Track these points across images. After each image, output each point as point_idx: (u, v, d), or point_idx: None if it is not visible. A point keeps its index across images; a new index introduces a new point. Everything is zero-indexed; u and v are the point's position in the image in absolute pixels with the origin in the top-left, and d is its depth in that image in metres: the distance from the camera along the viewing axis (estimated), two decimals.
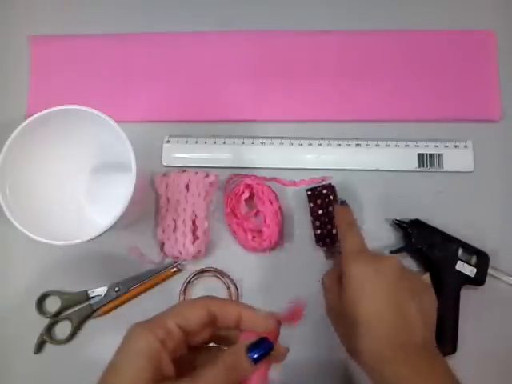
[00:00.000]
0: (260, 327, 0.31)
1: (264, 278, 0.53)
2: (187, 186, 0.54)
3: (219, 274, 0.53)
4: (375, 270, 0.40)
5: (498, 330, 0.51)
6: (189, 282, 0.53)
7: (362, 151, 0.55)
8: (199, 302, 0.31)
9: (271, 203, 0.53)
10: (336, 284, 0.44)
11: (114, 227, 0.43)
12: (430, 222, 0.51)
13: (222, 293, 0.53)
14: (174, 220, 0.53)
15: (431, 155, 0.54)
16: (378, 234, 0.53)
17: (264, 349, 0.30)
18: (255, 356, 0.29)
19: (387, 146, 0.55)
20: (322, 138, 0.55)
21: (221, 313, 0.31)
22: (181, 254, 0.52)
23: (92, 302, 0.53)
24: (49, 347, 0.53)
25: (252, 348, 0.29)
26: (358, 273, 0.40)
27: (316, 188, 0.52)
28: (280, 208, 0.54)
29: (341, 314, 0.42)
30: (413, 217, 0.52)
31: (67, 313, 0.53)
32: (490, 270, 0.50)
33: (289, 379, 0.50)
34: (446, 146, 0.54)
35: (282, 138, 0.55)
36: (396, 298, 0.40)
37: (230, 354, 0.30)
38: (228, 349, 0.31)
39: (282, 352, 0.32)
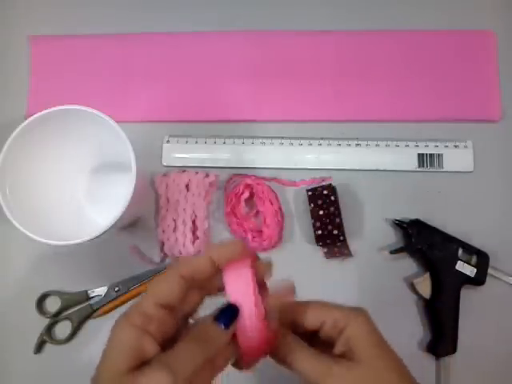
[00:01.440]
0: (231, 253, 0.31)
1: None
2: (187, 186, 0.54)
3: None
4: None
5: (497, 329, 0.51)
6: None
7: (362, 151, 0.55)
8: (172, 273, 0.31)
9: (271, 203, 0.53)
10: None
11: (113, 227, 0.43)
12: (430, 222, 0.51)
13: (221, 293, 0.52)
14: (174, 220, 0.53)
15: (431, 155, 0.54)
16: (378, 233, 0.53)
17: (230, 313, 0.30)
18: (224, 323, 0.30)
19: (387, 146, 0.55)
20: (322, 138, 0.55)
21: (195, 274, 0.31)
22: (181, 254, 0.52)
23: (92, 301, 0.53)
24: (49, 347, 0.53)
25: (219, 316, 0.30)
26: None
27: (316, 188, 0.52)
28: (280, 208, 0.54)
29: None
30: (413, 217, 0.52)
31: (67, 313, 0.53)
32: (490, 270, 0.50)
33: None
34: (446, 146, 0.54)
35: (282, 138, 0.55)
36: None
37: (198, 325, 0.30)
38: (195, 322, 0.31)
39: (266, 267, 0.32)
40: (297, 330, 0.34)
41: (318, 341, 0.34)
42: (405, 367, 0.32)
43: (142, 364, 0.28)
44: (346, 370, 0.32)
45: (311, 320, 0.34)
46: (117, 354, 0.28)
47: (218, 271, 0.31)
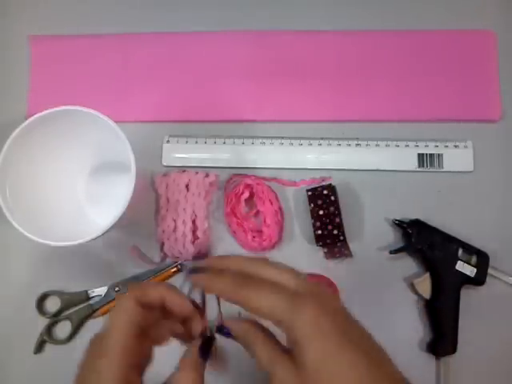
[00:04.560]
0: (180, 309, 0.34)
1: None
2: (187, 186, 0.54)
3: None
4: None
5: (497, 330, 0.51)
6: None
7: (362, 151, 0.55)
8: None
9: (271, 203, 0.53)
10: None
11: (113, 227, 0.43)
12: (430, 222, 0.51)
13: None
14: (174, 220, 0.53)
15: (431, 155, 0.54)
16: (378, 233, 0.53)
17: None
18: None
19: (387, 146, 0.55)
20: (322, 138, 0.55)
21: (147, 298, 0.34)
22: (181, 254, 0.52)
23: (92, 301, 0.53)
24: (49, 347, 0.53)
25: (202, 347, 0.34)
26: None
27: (316, 188, 0.52)
28: (280, 208, 0.54)
29: None
30: (413, 217, 0.52)
31: (67, 313, 0.53)
32: (490, 270, 0.50)
33: None
34: (446, 146, 0.54)
35: (282, 138, 0.55)
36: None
37: (189, 356, 0.33)
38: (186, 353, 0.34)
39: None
40: None
41: None
42: (369, 367, 0.28)
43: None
44: (287, 374, 0.29)
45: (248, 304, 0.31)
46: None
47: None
